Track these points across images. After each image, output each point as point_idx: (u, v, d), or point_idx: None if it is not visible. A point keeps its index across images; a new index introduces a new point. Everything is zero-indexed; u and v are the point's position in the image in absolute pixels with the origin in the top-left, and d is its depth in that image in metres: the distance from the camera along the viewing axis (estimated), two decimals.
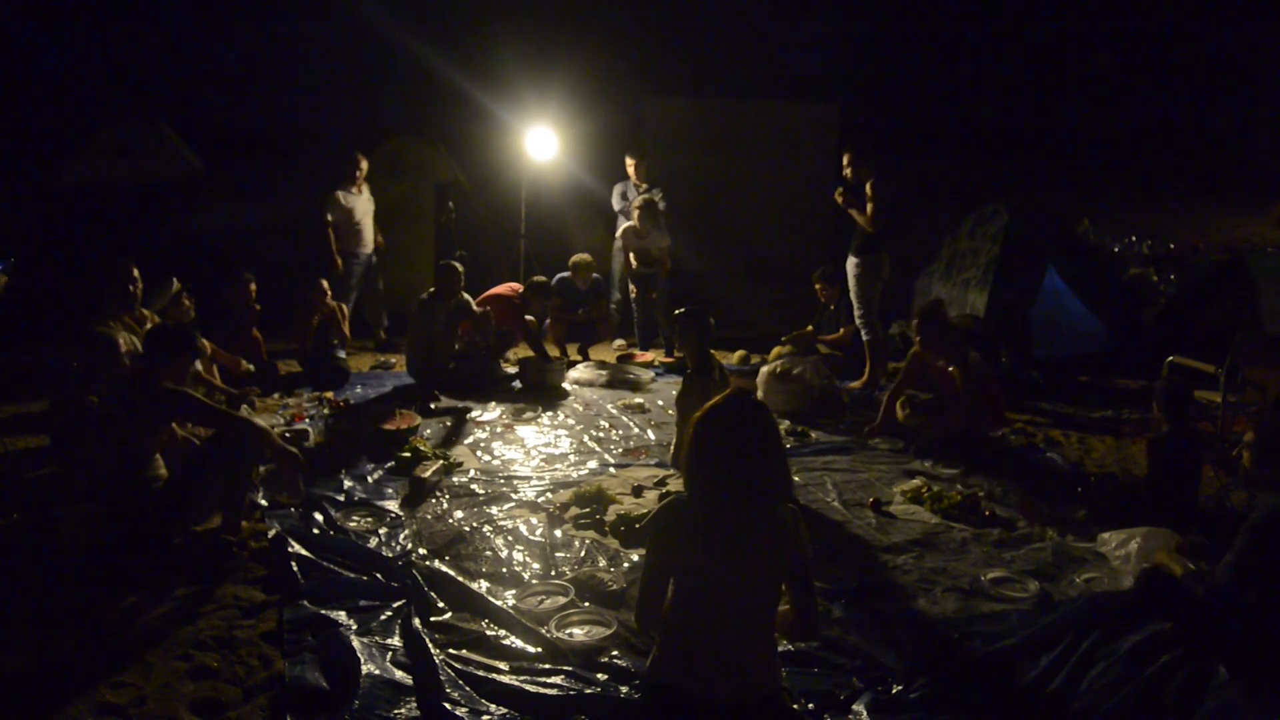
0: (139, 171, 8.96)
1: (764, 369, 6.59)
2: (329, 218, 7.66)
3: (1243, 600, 2.94)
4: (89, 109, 11.48)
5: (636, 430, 5.98)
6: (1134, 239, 11.10)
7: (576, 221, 10.38)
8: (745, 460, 2.41)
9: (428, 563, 3.88)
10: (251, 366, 6.41)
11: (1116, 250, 10.70)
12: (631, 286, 8.12)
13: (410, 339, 7.09)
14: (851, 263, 6.89)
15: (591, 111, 10.45)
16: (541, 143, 8.30)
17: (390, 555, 3.94)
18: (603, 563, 3.95)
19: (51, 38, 14.16)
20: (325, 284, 7.21)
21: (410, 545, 4.07)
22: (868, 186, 6.64)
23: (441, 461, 5.05)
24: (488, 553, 4.04)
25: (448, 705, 2.86)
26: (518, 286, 7.70)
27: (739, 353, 7.94)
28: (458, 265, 7.08)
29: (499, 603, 3.52)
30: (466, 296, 7.11)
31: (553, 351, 7.65)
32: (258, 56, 12.89)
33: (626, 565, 3.91)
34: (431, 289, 7.07)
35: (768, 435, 2.48)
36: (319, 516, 4.32)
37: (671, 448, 5.28)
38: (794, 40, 16.53)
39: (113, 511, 3.89)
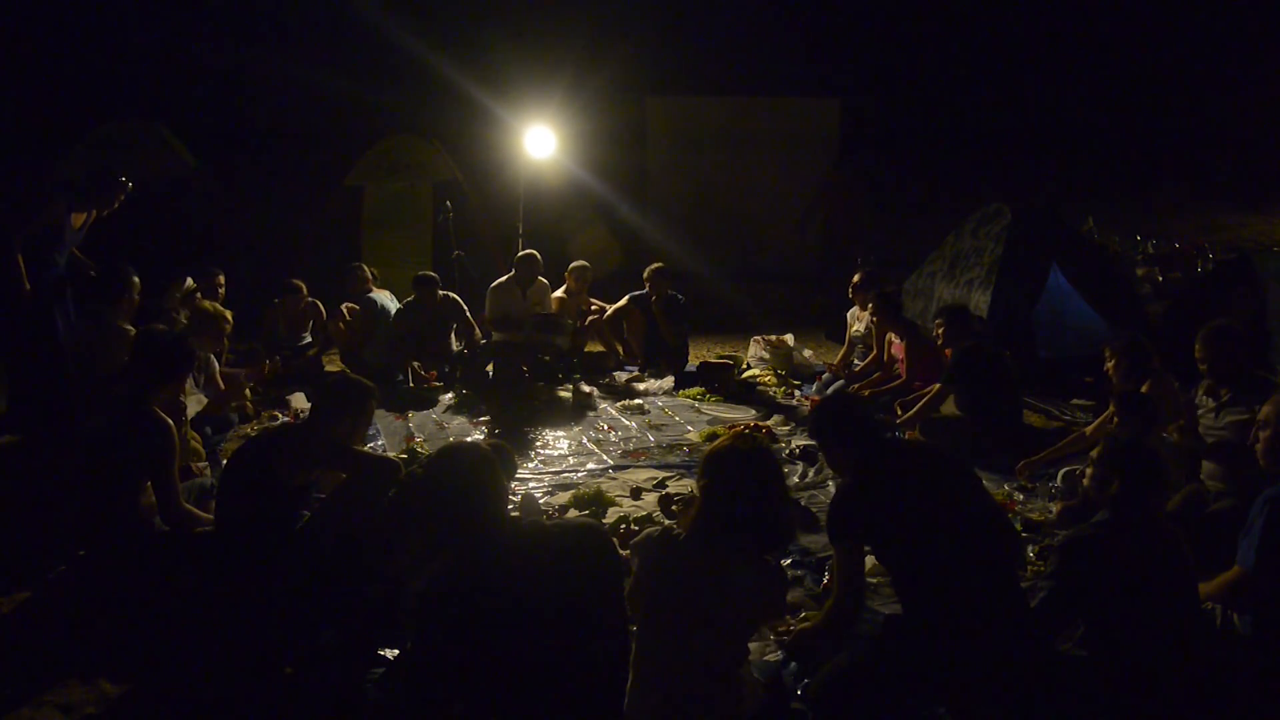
0: (135, 170, 8.92)
1: None
2: None
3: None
4: (86, 108, 11.44)
5: (636, 432, 5.93)
6: (1138, 238, 11.03)
7: (576, 221, 10.33)
8: (742, 506, 2.42)
9: None
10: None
11: (1120, 249, 10.63)
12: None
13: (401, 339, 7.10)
14: None
15: (591, 110, 10.39)
16: (540, 142, 8.24)
17: None
18: None
19: (49, 37, 14.13)
20: (301, 284, 7.20)
21: None
22: None
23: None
24: None
25: None
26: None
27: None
28: (435, 275, 7.19)
29: None
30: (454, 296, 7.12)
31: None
32: (254, 55, 12.85)
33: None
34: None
35: (767, 483, 2.49)
36: None
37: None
38: (795, 37, 16.47)
39: (107, 563, 3.51)
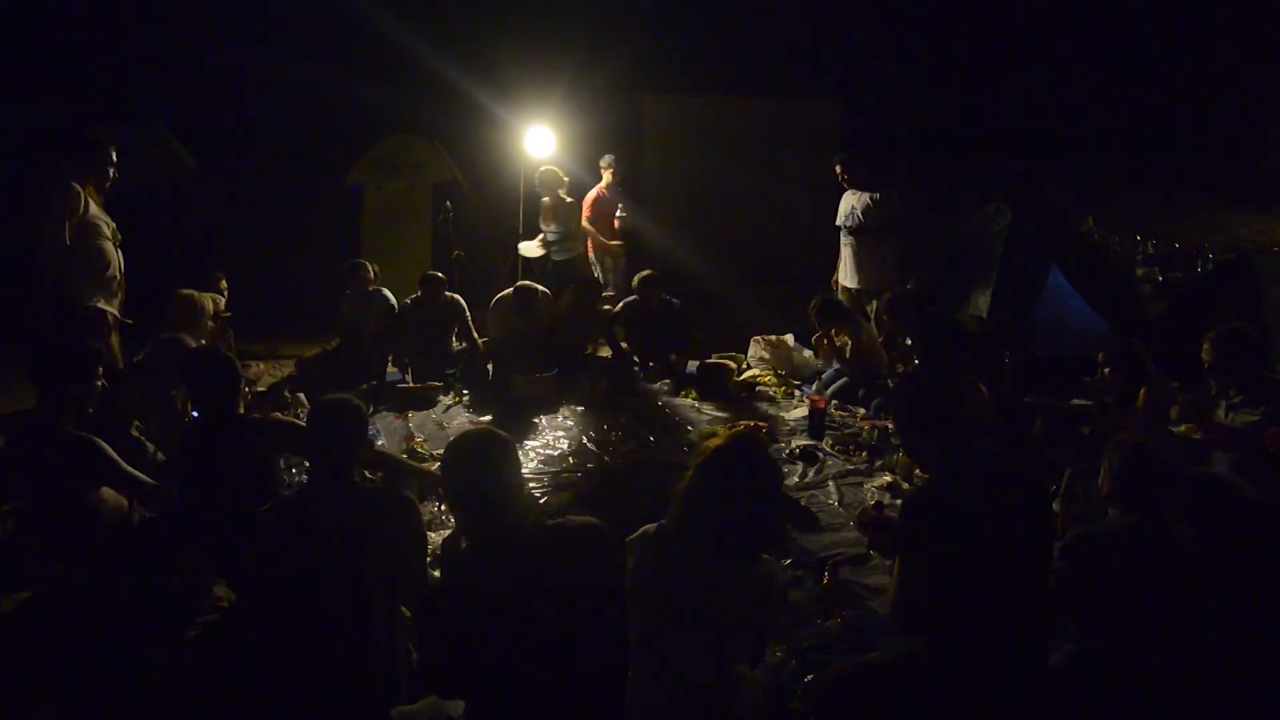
0: (134, 171, 8.91)
1: None
2: None
3: None
4: (86, 108, 11.44)
5: (636, 432, 5.91)
6: (1138, 238, 11.03)
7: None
8: (737, 506, 2.38)
9: None
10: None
11: (1120, 250, 10.63)
12: None
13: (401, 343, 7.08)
14: None
15: (591, 110, 10.38)
16: (540, 141, 8.23)
17: None
18: None
19: (49, 38, 14.12)
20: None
21: None
22: None
23: (440, 463, 4.97)
24: None
25: None
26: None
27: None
28: (441, 276, 7.10)
29: None
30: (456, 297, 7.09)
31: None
32: (254, 55, 12.84)
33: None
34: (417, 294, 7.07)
35: (764, 482, 2.45)
36: None
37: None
38: (794, 36, 16.45)
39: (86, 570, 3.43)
